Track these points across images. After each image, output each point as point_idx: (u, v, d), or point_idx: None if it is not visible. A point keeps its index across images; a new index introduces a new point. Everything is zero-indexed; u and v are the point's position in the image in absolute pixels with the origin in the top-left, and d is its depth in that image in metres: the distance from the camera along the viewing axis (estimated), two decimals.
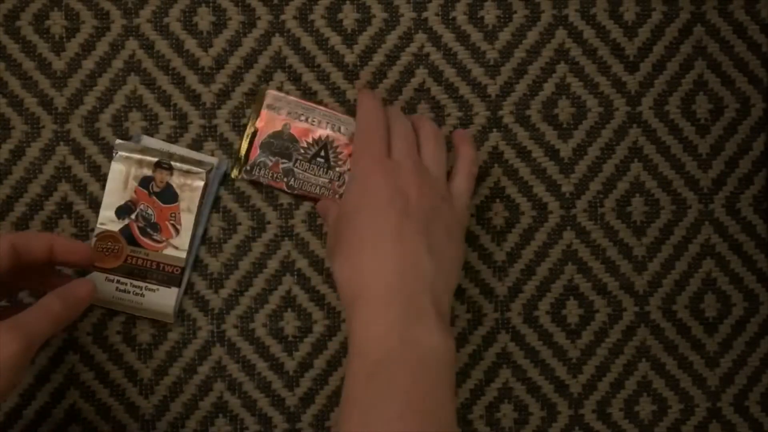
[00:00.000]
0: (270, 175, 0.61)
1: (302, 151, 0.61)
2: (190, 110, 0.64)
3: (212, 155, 0.64)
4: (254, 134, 0.61)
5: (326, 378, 0.65)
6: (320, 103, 0.63)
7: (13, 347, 0.46)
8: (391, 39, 0.66)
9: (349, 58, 0.66)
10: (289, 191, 0.62)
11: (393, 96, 0.66)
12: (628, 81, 0.68)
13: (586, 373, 0.67)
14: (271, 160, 0.61)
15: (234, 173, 0.63)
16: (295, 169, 0.61)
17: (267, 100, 0.62)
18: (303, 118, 0.61)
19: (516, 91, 0.67)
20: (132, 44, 0.64)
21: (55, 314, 0.50)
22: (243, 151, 0.61)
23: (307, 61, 0.65)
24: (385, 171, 0.56)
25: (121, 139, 0.63)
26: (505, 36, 0.67)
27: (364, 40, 0.66)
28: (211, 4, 0.65)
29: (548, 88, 0.67)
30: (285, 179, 0.61)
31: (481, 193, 0.66)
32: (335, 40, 0.66)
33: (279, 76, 0.65)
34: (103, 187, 0.63)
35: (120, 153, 0.62)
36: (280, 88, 0.64)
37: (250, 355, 0.65)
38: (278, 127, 0.61)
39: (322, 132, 0.61)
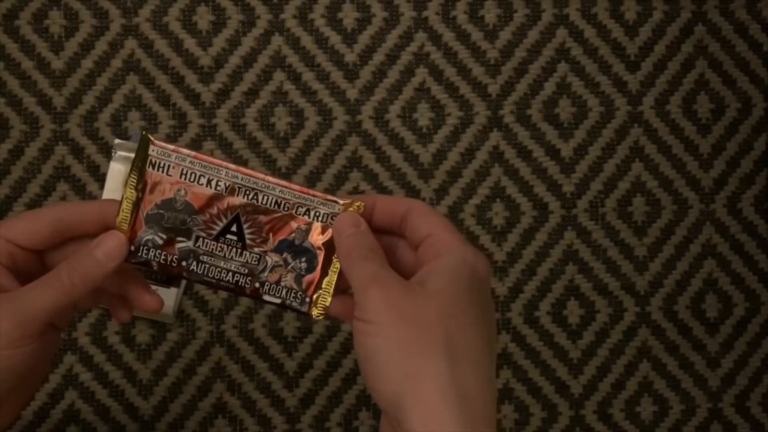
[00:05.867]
0: (163, 257, 0.45)
1: (204, 225, 0.45)
2: (190, 110, 0.64)
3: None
4: (137, 202, 0.44)
5: (326, 379, 0.65)
6: (227, 159, 0.45)
7: (3, 325, 0.41)
8: (392, 38, 0.66)
9: (349, 57, 0.65)
10: (190, 279, 0.45)
11: (393, 95, 0.66)
12: (629, 80, 0.68)
13: (587, 374, 0.67)
14: (161, 238, 0.44)
15: None
16: (198, 250, 0.45)
17: (151, 155, 0.44)
18: (203, 180, 0.44)
19: (517, 90, 0.67)
20: (131, 43, 0.64)
21: (59, 287, 0.42)
22: (124, 225, 0.44)
23: (306, 60, 0.65)
24: None
25: (120, 138, 0.63)
26: (505, 35, 0.67)
27: (364, 39, 0.66)
28: (210, 4, 0.64)
29: (549, 87, 0.67)
30: (184, 263, 0.45)
31: (481, 193, 0.66)
32: (335, 39, 0.65)
33: (279, 76, 0.65)
34: (102, 186, 0.62)
35: (119, 153, 0.62)
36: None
37: (250, 356, 0.64)
38: (169, 194, 0.44)
39: (232, 200, 0.44)
